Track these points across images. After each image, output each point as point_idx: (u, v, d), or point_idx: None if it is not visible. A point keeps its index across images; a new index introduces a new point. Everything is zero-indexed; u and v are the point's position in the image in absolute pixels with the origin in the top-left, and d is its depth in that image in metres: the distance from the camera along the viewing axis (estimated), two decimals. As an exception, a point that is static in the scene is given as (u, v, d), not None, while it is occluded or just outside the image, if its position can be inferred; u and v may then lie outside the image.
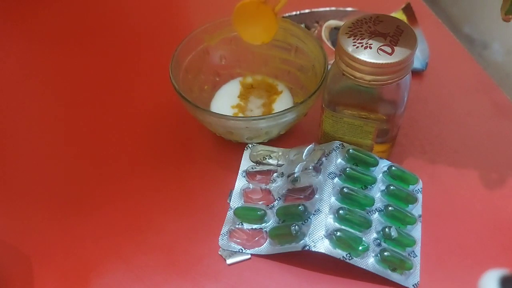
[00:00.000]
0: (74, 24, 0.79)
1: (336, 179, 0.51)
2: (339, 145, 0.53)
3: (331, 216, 0.49)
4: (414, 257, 0.49)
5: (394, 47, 0.46)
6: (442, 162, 0.58)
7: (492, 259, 0.50)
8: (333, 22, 0.70)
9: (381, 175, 0.53)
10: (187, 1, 0.83)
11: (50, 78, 0.70)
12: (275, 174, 0.56)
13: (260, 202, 0.54)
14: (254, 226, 0.52)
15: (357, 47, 0.46)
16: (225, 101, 0.63)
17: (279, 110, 0.53)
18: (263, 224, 0.52)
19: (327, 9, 0.73)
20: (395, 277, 0.47)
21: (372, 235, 0.49)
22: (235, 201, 0.54)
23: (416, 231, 0.51)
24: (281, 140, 0.60)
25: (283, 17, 0.72)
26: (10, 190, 0.57)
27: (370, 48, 0.46)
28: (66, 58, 0.73)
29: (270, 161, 0.57)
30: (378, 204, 0.51)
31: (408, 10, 0.72)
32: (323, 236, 0.47)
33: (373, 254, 0.47)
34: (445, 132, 0.61)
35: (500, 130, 0.61)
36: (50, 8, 0.81)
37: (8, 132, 0.64)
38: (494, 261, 0.49)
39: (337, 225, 0.48)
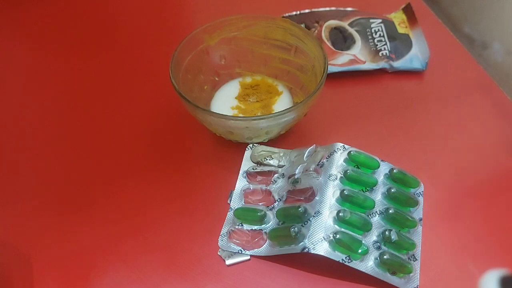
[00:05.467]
0: (74, 25, 0.78)
1: (337, 181, 0.51)
2: (341, 147, 0.53)
3: (331, 218, 0.49)
4: (414, 261, 0.49)
5: None
6: (443, 163, 0.58)
7: (492, 262, 0.50)
8: (333, 22, 0.70)
9: (382, 177, 0.53)
10: (187, 1, 0.83)
11: (50, 78, 0.70)
12: (275, 175, 0.56)
13: (260, 203, 0.54)
14: (254, 227, 0.52)
15: None
16: (225, 101, 0.63)
17: (279, 110, 0.53)
18: (263, 225, 0.52)
19: (327, 9, 0.72)
20: (394, 280, 0.47)
21: (372, 238, 0.49)
22: (235, 202, 0.54)
23: (417, 235, 0.51)
24: (281, 140, 0.60)
25: (283, 17, 0.72)
26: (10, 190, 0.57)
27: None
28: (66, 58, 0.73)
29: (271, 162, 0.57)
30: (378, 207, 0.51)
31: (408, 10, 0.72)
32: (322, 238, 0.47)
33: (372, 257, 0.47)
34: (445, 132, 0.61)
35: (500, 130, 0.61)
36: (50, 8, 0.81)
37: (8, 132, 0.63)
38: (494, 265, 0.50)
39: (337, 227, 0.48)
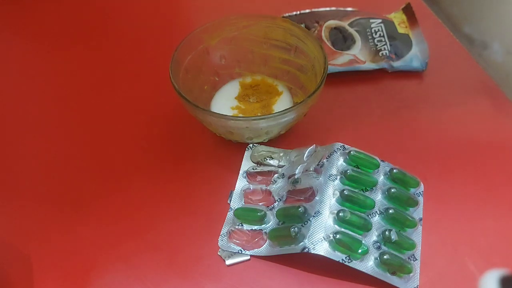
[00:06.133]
0: (74, 24, 0.78)
1: (337, 181, 0.51)
2: (341, 147, 0.53)
3: (331, 218, 0.49)
4: (414, 261, 0.49)
5: None
6: (443, 163, 0.58)
7: (492, 262, 0.50)
8: (333, 22, 0.70)
9: (382, 177, 0.53)
10: (187, 1, 0.83)
11: (50, 78, 0.70)
12: (275, 175, 0.56)
13: (260, 203, 0.54)
14: (254, 227, 0.52)
15: None
16: (225, 101, 0.63)
17: (279, 110, 0.53)
18: (263, 225, 0.52)
19: (327, 9, 0.72)
20: (394, 280, 0.47)
21: (372, 238, 0.49)
22: (236, 202, 0.55)
23: (417, 235, 0.51)
24: (281, 139, 0.60)
25: (283, 17, 0.72)
26: (10, 190, 0.57)
27: None
28: (66, 58, 0.73)
29: (271, 162, 0.57)
30: (378, 207, 0.51)
31: (408, 10, 0.72)
32: (322, 238, 0.47)
33: (372, 257, 0.47)
34: (445, 132, 0.61)
35: (500, 130, 0.61)
36: (50, 8, 0.81)
37: (8, 132, 0.63)
38: (494, 265, 0.50)
39: (337, 227, 0.48)
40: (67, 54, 0.73)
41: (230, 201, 0.55)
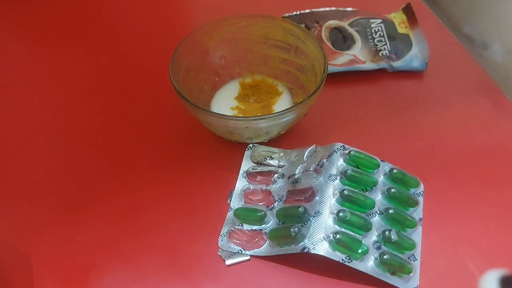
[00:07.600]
0: (74, 24, 0.78)
1: (337, 181, 0.51)
2: (341, 147, 0.53)
3: (331, 218, 0.49)
4: (414, 261, 0.49)
5: None
6: (443, 163, 0.58)
7: (492, 262, 0.50)
8: (333, 22, 0.70)
9: (382, 177, 0.53)
10: (187, 1, 0.83)
11: (50, 78, 0.70)
12: (275, 175, 0.56)
13: (260, 203, 0.54)
14: (254, 227, 0.52)
15: None
16: (225, 101, 0.63)
17: (279, 110, 0.53)
18: (263, 225, 0.52)
19: (327, 9, 0.72)
20: (394, 280, 0.47)
21: (372, 238, 0.49)
22: (236, 202, 0.54)
23: (417, 235, 0.51)
24: (281, 139, 0.60)
25: (283, 17, 0.72)
26: (10, 190, 0.57)
27: None
28: (66, 58, 0.73)
29: (271, 162, 0.57)
30: (378, 207, 0.51)
31: (408, 10, 0.72)
32: (322, 239, 0.47)
33: (372, 257, 0.47)
34: (445, 132, 0.61)
35: (500, 131, 0.61)
36: (50, 8, 0.81)
37: (8, 132, 0.63)
38: (494, 265, 0.50)
39: (337, 227, 0.48)
40: (66, 54, 0.73)
41: (230, 201, 0.55)
